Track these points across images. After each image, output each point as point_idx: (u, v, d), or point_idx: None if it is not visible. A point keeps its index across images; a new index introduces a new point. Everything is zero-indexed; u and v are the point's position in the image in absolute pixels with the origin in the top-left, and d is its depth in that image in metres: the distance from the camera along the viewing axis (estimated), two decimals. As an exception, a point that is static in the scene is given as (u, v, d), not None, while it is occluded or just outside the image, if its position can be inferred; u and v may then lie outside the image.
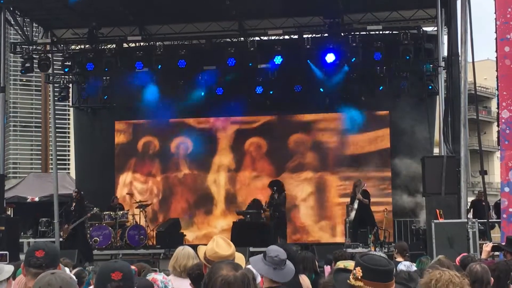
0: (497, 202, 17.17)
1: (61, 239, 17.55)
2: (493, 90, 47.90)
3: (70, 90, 21.00)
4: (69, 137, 34.02)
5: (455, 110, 14.36)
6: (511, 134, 12.55)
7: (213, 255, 4.65)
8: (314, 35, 18.10)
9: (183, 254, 6.40)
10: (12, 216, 20.37)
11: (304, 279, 6.72)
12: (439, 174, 13.51)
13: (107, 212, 18.56)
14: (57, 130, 22.17)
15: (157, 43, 18.32)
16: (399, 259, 9.58)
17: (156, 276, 5.74)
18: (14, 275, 5.29)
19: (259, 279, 5.02)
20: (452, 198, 13.43)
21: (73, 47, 19.48)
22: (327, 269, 7.33)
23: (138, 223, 18.83)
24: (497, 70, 13.09)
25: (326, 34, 17.95)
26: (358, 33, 17.47)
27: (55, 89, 20.65)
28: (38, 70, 19.12)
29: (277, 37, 18.45)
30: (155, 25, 19.07)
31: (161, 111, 20.22)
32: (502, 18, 12.91)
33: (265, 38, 18.59)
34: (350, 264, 4.05)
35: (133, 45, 19.16)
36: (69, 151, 34.93)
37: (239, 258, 4.76)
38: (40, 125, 35.20)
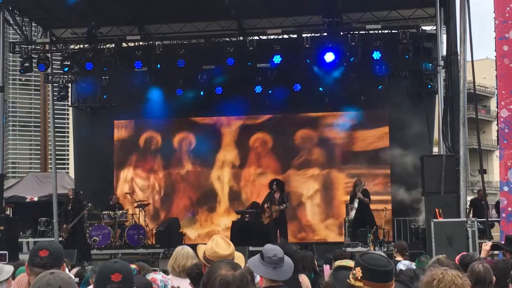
0: (498, 201, 17.20)
1: (61, 239, 17.52)
2: (492, 89, 47.89)
3: (69, 89, 20.98)
4: (68, 137, 34.01)
5: (454, 109, 14.37)
6: (510, 133, 12.56)
7: (212, 255, 4.65)
8: (313, 34, 18.07)
9: (182, 253, 6.40)
10: (11, 216, 20.35)
11: (303, 279, 6.71)
12: (439, 173, 13.51)
13: (106, 212, 18.56)
14: (56, 129, 22.16)
15: (156, 42, 18.30)
16: (398, 258, 9.59)
17: (156, 276, 5.74)
18: (13, 275, 5.29)
19: (258, 278, 5.01)
20: (451, 197, 13.44)
21: (72, 46, 19.46)
22: (326, 268, 7.32)
23: (138, 222, 18.82)
24: (496, 69, 13.10)
25: (325, 34, 17.92)
26: (357, 32, 17.45)
27: (54, 89, 20.63)
28: (37, 70, 19.09)
29: (276, 37, 18.43)
30: (154, 24, 19.07)
31: (160, 110, 20.24)
32: (501, 17, 12.92)
33: (264, 37, 18.56)
34: (349, 262, 4.04)
35: (132, 44, 19.12)
36: (68, 150, 34.92)
37: (239, 258, 4.75)
38: (39, 124, 35.18)
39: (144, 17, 18.59)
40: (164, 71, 18.92)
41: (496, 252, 9.04)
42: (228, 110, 20.27)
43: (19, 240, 18.25)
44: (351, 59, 17.76)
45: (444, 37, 15.98)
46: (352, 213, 16.86)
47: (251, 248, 14.67)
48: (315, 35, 18.12)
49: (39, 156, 35.16)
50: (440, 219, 12.87)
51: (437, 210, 13.00)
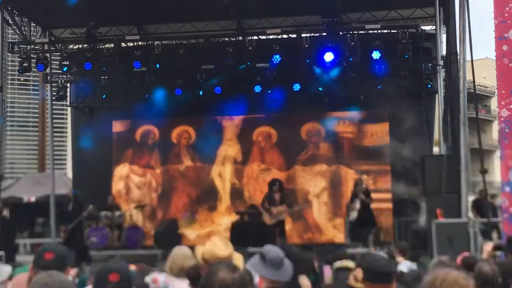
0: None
1: (61, 240, 17.45)
2: (493, 89, 47.92)
3: (68, 89, 20.94)
4: (66, 137, 33.93)
5: (454, 109, 14.33)
6: (511, 133, 12.51)
7: (210, 256, 4.61)
8: (312, 34, 18.06)
9: (180, 254, 6.36)
10: (8, 216, 20.29)
11: (303, 280, 6.66)
12: (439, 173, 13.47)
13: (104, 213, 18.50)
14: (54, 129, 22.11)
15: (155, 42, 18.27)
16: (399, 259, 9.53)
17: (158, 277, 5.69)
18: (10, 276, 5.24)
19: (257, 279, 4.97)
20: (452, 198, 13.39)
21: (71, 46, 19.45)
22: (327, 269, 7.27)
23: (136, 223, 18.77)
24: (496, 69, 13.07)
25: (324, 33, 17.90)
26: (356, 32, 17.43)
27: (53, 89, 20.59)
28: (36, 70, 19.05)
29: (275, 36, 18.42)
30: (153, 24, 19.05)
31: (159, 110, 20.18)
32: (500, 17, 12.86)
33: (264, 37, 18.53)
34: (349, 264, 3.99)
35: (131, 44, 19.10)
36: (66, 151, 34.83)
37: (237, 259, 4.72)
38: (37, 124, 35.11)
39: (143, 17, 18.57)
40: (163, 71, 18.87)
41: (498, 253, 8.99)
42: (228, 110, 20.21)
43: (16, 241, 18.20)
44: (351, 59, 17.74)
45: (444, 36, 15.96)
46: (354, 214, 16.81)
47: (250, 249, 14.57)
48: (315, 35, 18.10)
49: (37, 156, 35.11)
50: (441, 220, 12.82)
51: (438, 210, 12.95)
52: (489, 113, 54.41)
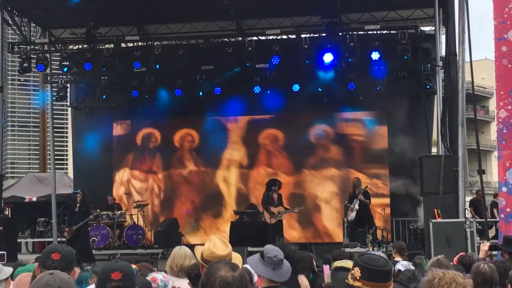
0: (494, 201, 17.25)
1: (64, 239, 17.47)
2: (491, 90, 47.94)
3: (68, 90, 20.97)
4: (67, 137, 33.95)
5: (453, 109, 14.40)
6: (508, 133, 12.57)
7: (210, 255, 4.66)
8: (312, 34, 18.11)
9: (180, 253, 6.41)
10: (9, 216, 20.36)
11: (302, 279, 6.71)
12: (437, 173, 13.53)
13: (105, 212, 18.54)
14: (55, 130, 22.14)
15: (155, 43, 18.31)
16: (397, 258, 9.58)
17: (156, 275, 5.75)
18: (12, 276, 5.30)
19: (255, 278, 5.03)
20: (450, 198, 13.46)
21: (71, 47, 19.49)
22: (326, 268, 7.32)
23: (136, 223, 18.81)
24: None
25: (324, 34, 17.95)
26: (356, 32, 17.48)
27: (53, 89, 20.63)
28: (36, 70, 19.10)
29: (275, 37, 18.46)
30: (153, 24, 19.08)
31: (159, 111, 20.18)
32: (499, 18, 12.92)
33: (263, 38, 18.57)
34: (349, 263, 4.05)
35: (131, 45, 19.15)
36: (67, 151, 34.86)
37: (236, 258, 4.76)
38: (38, 125, 35.14)
39: (143, 18, 18.60)
40: (163, 72, 18.89)
41: (494, 252, 9.07)
42: (227, 111, 20.13)
43: (18, 240, 18.25)
44: (350, 60, 17.77)
45: (443, 37, 16.00)
46: (353, 214, 16.86)
47: (249, 249, 14.66)
48: (314, 35, 18.15)
49: (38, 157, 35.15)
50: (439, 220, 12.89)
51: (435, 210, 13.01)
52: (488, 114, 54.45)
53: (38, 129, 34.87)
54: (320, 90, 19.54)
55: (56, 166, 21.49)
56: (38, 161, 35.47)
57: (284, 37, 18.64)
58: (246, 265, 5.04)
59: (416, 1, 17.45)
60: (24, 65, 18.32)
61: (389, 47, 17.32)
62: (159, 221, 20.10)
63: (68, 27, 19.16)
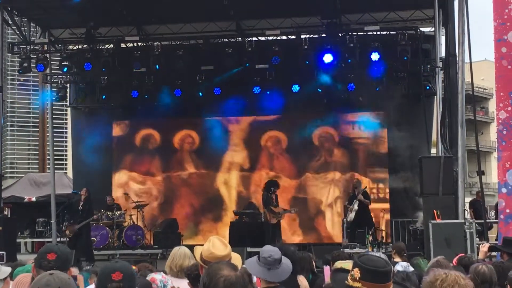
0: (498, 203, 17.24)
1: (63, 239, 17.46)
2: (491, 91, 47.99)
3: (68, 90, 20.96)
4: (66, 137, 33.96)
5: (452, 110, 14.40)
6: (508, 135, 12.58)
7: (209, 256, 4.66)
8: (311, 35, 18.12)
9: (180, 254, 6.41)
10: (9, 216, 20.33)
11: (301, 280, 6.71)
12: (437, 174, 13.52)
13: (104, 212, 18.53)
14: (54, 130, 22.14)
15: (154, 43, 18.32)
16: (396, 259, 9.59)
17: (155, 276, 5.76)
18: (11, 276, 5.30)
19: (254, 279, 5.03)
20: (449, 199, 13.45)
21: (70, 47, 19.48)
22: (327, 269, 7.31)
23: (136, 223, 18.81)
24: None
25: (323, 35, 17.96)
26: (355, 33, 17.49)
27: (53, 89, 20.63)
28: (36, 70, 19.10)
29: (275, 38, 18.46)
30: (153, 25, 19.07)
31: (159, 111, 20.17)
32: (499, 19, 12.93)
33: (263, 38, 18.57)
34: (348, 264, 4.05)
35: (131, 45, 19.15)
36: (66, 151, 34.87)
37: (236, 259, 4.77)
38: (37, 125, 35.15)
39: (143, 18, 18.59)
40: (162, 72, 18.89)
41: (494, 253, 9.07)
42: (227, 111, 20.09)
43: (17, 240, 18.23)
44: (349, 60, 17.78)
45: (443, 38, 16.01)
46: (352, 215, 16.87)
47: (249, 249, 14.65)
48: (314, 36, 18.16)
49: (37, 157, 35.14)
50: (438, 221, 12.89)
51: (435, 211, 13.02)
52: (487, 115, 54.52)
53: (37, 129, 34.89)
54: (320, 90, 19.54)
55: (55, 166, 21.48)
56: (37, 161, 35.47)
57: (284, 37, 18.64)
58: (245, 266, 5.05)
59: (416, 2, 17.45)
60: (24, 65, 18.33)
61: (388, 48, 17.32)
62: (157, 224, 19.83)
63: (68, 27, 19.16)
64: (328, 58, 17.53)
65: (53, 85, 20.55)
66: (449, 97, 14.76)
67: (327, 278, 6.57)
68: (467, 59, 14.00)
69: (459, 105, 14.01)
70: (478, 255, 9.21)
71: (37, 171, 32.58)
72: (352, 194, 17.43)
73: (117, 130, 21.05)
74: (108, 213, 18.52)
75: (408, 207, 18.21)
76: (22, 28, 18.37)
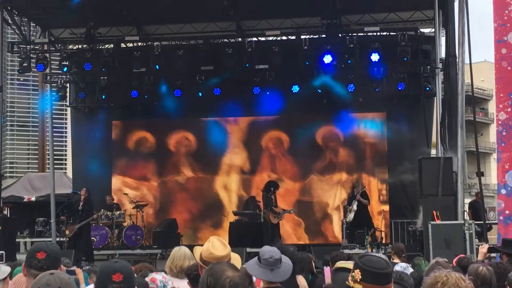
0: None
1: (63, 239, 17.45)
2: (491, 92, 48.02)
3: (68, 89, 20.96)
4: (66, 137, 33.98)
5: (452, 111, 14.42)
6: (508, 136, 12.60)
7: (208, 256, 4.67)
8: (311, 36, 18.12)
9: (180, 254, 6.40)
10: (8, 216, 20.33)
11: (300, 280, 6.72)
12: (436, 175, 13.54)
13: (104, 212, 18.53)
14: (54, 129, 22.13)
15: (154, 43, 18.32)
16: (396, 260, 9.59)
17: (156, 276, 5.76)
18: (11, 275, 5.30)
19: (254, 278, 5.04)
20: (449, 200, 13.46)
21: (70, 47, 19.48)
22: (327, 270, 7.32)
23: (135, 223, 18.80)
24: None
25: (323, 35, 17.96)
26: (355, 34, 17.50)
27: (53, 89, 20.62)
28: (36, 70, 19.11)
29: (275, 38, 18.46)
30: (153, 25, 19.07)
31: (158, 111, 20.16)
32: (499, 20, 12.96)
33: (263, 38, 18.58)
34: (349, 264, 4.05)
35: (131, 45, 19.16)
36: (66, 151, 34.89)
37: (235, 259, 4.77)
38: (37, 124, 35.15)
39: (143, 18, 18.60)
40: (162, 72, 18.89)
41: (493, 254, 9.08)
42: (227, 111, 20.06)
43: (17, 240, 18.23)
44: (349, 61, 17.78)
45: (443, 39, 16.02)
46: (351, 215, 16.88)
47: (248, 250, 14.64)
48: (314, 36, 18.17)
49: (37, 156, 35.15)
50: (438, 222, 12.90)
51: (434, 212, 13.03)
52: (487, 116, 54.58)
53: (37, 129, 34.88)
54: (320, 91, 19.54)
55: (55, 166, 21.45)
56: (37, 161, 35.47)
57: (284, 38, 18.65)
58: (244, 266, 5.05)
59: (416, 3, 17.45)
60: (24, 64, 18.32)
61: (388, 49, 17.33)
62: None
63: (68, 27, 19.15)
64: (328, 58, 17.53)
65: (53, 85, 20.55)
66: (449, 98, 14.78)
67: (328, 279, 6.58)
68: (467, 60, 14.03)
69: (458, 106, 14.02)
70: (477, 256, 9.21)
71: (37, 170, 32.57)
72: (351, 195, 17.43)
73: (116, 130, 20.93)
74: (108, 213, 18.52)
75: (407, 208, 18.22)
76: (22, 27, 18.37)
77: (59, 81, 20.34)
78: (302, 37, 17.76)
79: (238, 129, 19.81)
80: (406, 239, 17.25)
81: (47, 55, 19.15)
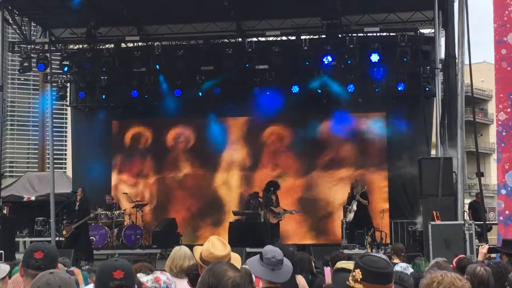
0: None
1: (62, 238, 17.46)
2: (490, 92, 48.03)
3: (68, 89, 20.97)
4: (66, 136, 34.01)
5: (451, 112, 14.43)
6: (508, 136, 12.61)
7: (208, 256, 4.67)
8: (311, 36, 18.14)
9: (180, 254, 6.41)
10: (8, 215, 20.33)
11: (300, 280, 6.73)
12: (436, 175, 13.54)
13: (103, 212, 18.54)
14: (54, 129, 22.13)
15: (155, 43, 18.33)
16: (395, 260, 9.60)
17: (161, 276, 5.74)
18: (10, 274, 5.30)
19: (253, 278, 5.05)
20: (448, 200, 13.47)
21: (71, 46, 19.48)
22: (327, 270, 7.33)
23: (135, 223, 18.80)
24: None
25: (323, 36, 17.98)
26: (355, 34, 17.50)
27: (53, 89, 20.63)
28: (36, 70, 19.12)
29: (275, 38, 18.47)
30: (153, 25, 19.08)
31: (158, 111, 20.16)
32: (499, 21, 12.96)
33: (263, 39, 18.59)
34: (349, 264, 4.06)
35: (131, 45, 19.17)
36: (66, 150, 34.92)
37: (235, 259, 4.78)
38: (37, 124, 35.16)
39: (143, 18, 18.61)
40: (162, 72, 18.89)
41: (493, 255, 9.09)
42: (227, 111, 20.07)
43: (16, 239, 18.23)
44: (349, 62, 17.79)
45: (442, 40, 16.04)
46: (351, 215, 16.89)
47: (248, 249, 14.64)
48: (314, 37, 18.18)
49: (37, 156, 35.16)
50: (438, 222, 12.91)
51: (434, 212, 13.03)
52: (486, 116, 54.64)
53: (37, 128, 34.88)
54: (320, 91, 19.54)
55: (55, 166, 21.46)
56: (37, 160, 35.48)
57: (284, 38, 18.66)
58: (244, 266, 5.06)
59: (416, 4, 17.45)
60: (24, 64, 18.33)
61: (388, 49, 17.34)
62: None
63: (69, 26, 19.16)
64: (327, 59, 17.54)
65: (53, 84, 20.55)
66: (448, 99, 14.79)
67: (328, 280, 6.59)
68: (466, 61, 14.05)
69: (458, 106, 14.04)
70: (477, 256, 9.22)
71: (37, 170, 32.58)
72: (351, 195, 17.44)
73: (116, 130, 20.93)
74: (107, 212, 18.53)
75: (407, 208, 18.22)
76: (22, 27, 18.38)
77: (59, 81, 20.34)
78: (302, 37, 17.78)
79: (238, 127, 19.64)
80: (406, 239, 17.26)
81: (48, 54, 19.16)
